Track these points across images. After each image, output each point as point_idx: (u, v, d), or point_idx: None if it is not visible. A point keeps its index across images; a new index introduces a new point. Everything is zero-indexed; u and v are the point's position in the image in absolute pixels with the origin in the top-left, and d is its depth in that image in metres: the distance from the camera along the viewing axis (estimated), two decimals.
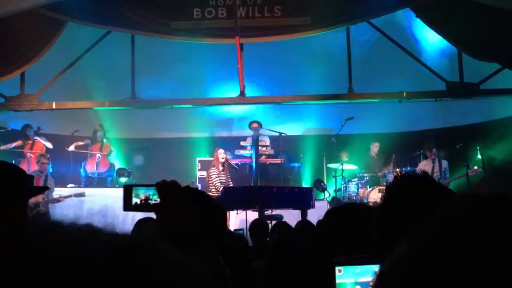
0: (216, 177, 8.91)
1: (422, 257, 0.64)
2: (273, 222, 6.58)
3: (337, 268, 1.20)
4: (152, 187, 1.45)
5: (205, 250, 1.38)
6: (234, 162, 9.63)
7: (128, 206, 1.47)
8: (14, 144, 10.23)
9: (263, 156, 10.23)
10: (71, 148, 10.60)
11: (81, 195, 8.74)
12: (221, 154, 9.09)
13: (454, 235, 0.64)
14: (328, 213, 2.24)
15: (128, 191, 1.48)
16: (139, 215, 3.62)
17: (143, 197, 1.45)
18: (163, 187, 1.41)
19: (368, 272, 1.27)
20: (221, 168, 9.07)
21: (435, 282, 0.62)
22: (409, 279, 0.64)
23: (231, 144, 10.84)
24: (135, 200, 1.46)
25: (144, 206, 1.46)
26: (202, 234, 1.39)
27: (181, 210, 1.38)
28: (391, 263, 0.68)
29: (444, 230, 0.65)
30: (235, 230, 6.25)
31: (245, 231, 6.13)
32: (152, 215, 1.63)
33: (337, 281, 1.20)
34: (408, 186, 1.35)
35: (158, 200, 1.42)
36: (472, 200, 0.70)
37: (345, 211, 1.98)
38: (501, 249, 0.61)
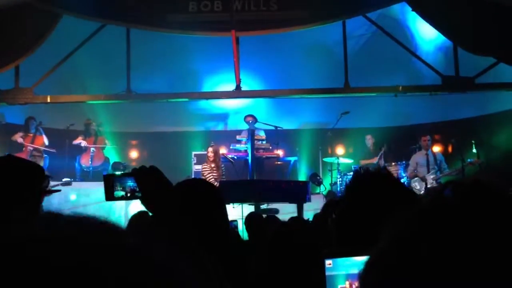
0: (209, 173, 8.93)
1: (405, 251, 0.64)
2: (269, 215, 6.58)
3: (326, 261, 1.18)
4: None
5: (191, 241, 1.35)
6: (230, 156, 9.62)
7: (109, 196, 1.44)
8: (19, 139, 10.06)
9: (259, 150, 10.21)
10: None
11: (68, 184, 8.80)
12: (210, 152, 9.15)
13: (436, 229, 0.63)
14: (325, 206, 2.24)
15: (109, 181, 1.45)
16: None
17: (124, 186, 1.43)
18: (139, 174, 1.39)
19: (359, 264, 1.25)
20: (213, 164, 9.09)
21: (418, 275, 0.61)
22: (392, 273, 0.64)
23: (227, 138, 10.81)
24: (116, 189, 1.44)
25: (125, 195, 1.43)
26: (187, 224, 1.36)
27: (160, 196, 1.35)
28: (373, 257, 0.68)
29: (425, 224, 0.64)
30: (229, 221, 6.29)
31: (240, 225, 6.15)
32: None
33: (327, 273, 1.18)
34: (365, 183, 1.36)
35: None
36: (453, 192, 0.68)
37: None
38: (479, 245, 0.60)
